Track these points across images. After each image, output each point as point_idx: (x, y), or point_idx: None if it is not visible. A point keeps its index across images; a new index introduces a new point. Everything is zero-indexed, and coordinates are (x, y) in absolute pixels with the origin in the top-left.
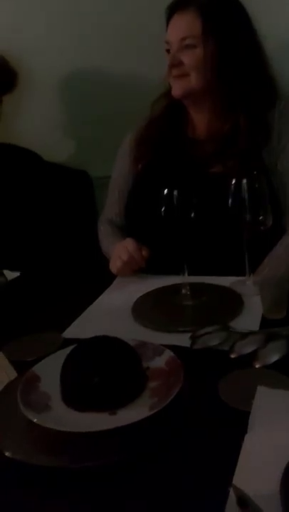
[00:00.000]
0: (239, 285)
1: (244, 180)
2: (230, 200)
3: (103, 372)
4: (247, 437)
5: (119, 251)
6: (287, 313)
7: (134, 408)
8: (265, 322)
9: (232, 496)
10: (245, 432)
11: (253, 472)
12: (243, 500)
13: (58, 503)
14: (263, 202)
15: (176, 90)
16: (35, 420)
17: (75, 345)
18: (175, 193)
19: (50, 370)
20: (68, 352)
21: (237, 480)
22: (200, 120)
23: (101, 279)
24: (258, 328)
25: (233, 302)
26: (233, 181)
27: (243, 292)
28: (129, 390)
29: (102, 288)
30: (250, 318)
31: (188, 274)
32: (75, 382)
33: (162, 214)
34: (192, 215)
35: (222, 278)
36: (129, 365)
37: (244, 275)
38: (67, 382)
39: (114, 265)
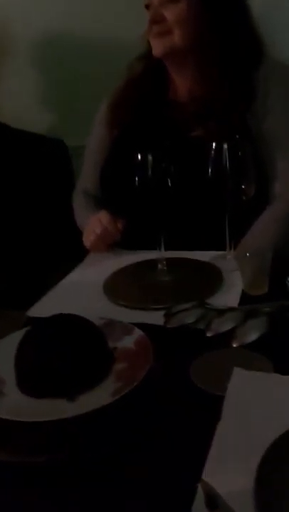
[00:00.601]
0: (219, 260)
1: (225, 145)
2: (210, 167)
3: (62, 354)
4: (220, 425)
5: (93, 224)
6: (269, 289)
7: (96, 394)
8: (245, 298)
9: (200, 494)
10: (219, 418)
11: (225, 465)
12: (212, 501)
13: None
14: (245, 169)
15: (158, 49)
16: None
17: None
18: (150, 157)
19: (5, 353)
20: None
21: (207, 473)
22: (182, 81)
23: (76, 254)
24: (237, 305)
25: (212, 278)
26: (214, 146)
27: (224, 267)
28: (91, 373)
29: (76, 264)
30: (229, 295)
31: (166, 249)
32: (30, 365)
33: (136, 182)
34: (169, 183)
35: (201, 253)
36: (92, 346)
37: (225, 249)
38: (22, 365)
39: (88, 239)
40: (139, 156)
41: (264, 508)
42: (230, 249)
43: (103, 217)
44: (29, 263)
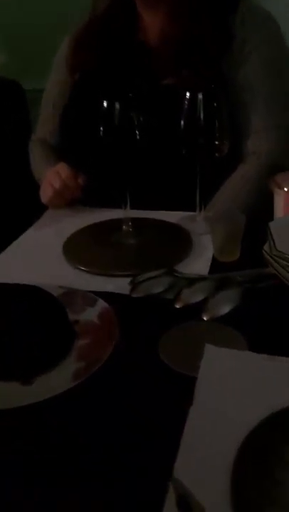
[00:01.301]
0: (188, 222)
1: (200, 95)
2: (182, 119)
3: (15, 329)
4: (191, 411)
5: (51, 177)
6: (241, 255)
7: (55, 376)
8: (215, 265)
9: (171, 493)
10: (190, 402)
11: (198, 458)
12: (183, 501)
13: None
14: (220, 123)
15: None
16: None
17: None
18: (117, 106)
19: None
20: None
21: (179, 469)
22: (152, 23)
23: (32, 210)
24: (207, 273)
25: (180, 242)
26: (187, 95)
27: (193, 230)
28: (49, 352)
29: (32, 221)
30: (199, 261)
31: (131, 208)
32: None
33: (101, 133)
34: (137, 135)
35: (169, 213)
36: (51, 320)
37: (194, 210)
38: None
39: (45, 194)
40: (105, 104)
41: (241, 507)
42: (200, 210)
43: (62, 170)
44: None
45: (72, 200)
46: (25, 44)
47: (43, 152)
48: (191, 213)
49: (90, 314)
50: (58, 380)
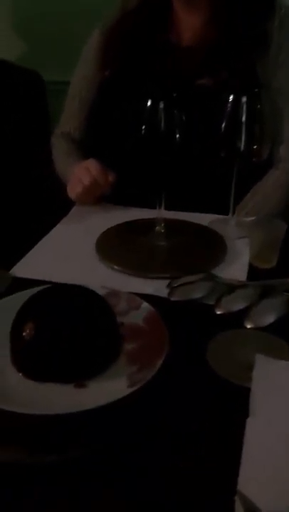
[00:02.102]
0: (220, 225)
1: (243, 99)
2: (224, 122)
3: (70, 330)
4: (249, 423)
5: (80, 173)
6: (278, 262)
7: (109, 380)
8: (251, 271)
9: (239, 507)
10: (245, 413)
11: (261, 470)
12: None
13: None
14: (261, 127)
15: None
16: None
17: (30, 293)
18: (161, 106)
19: None
20: (21, 302)
21: (243, 483)
22: (190, 23)
23: (54, 205)
24: (245, 279)
25: (215, 246)
26: (231, 98)
27: (225, 234)
28: (102, 354)
29: (55, 217)
30: (236, 266)
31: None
32: (30, 343)
33: (142, 132)
34: (177, 134)
35: (201, 215)
36: (102, 322)
37: (223, 213)
38: (20, 343)
39: (74, 190)
40: (149, 103)
41: None
42: (234, 214)
43: (92, 166)
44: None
45: (100, 198)
46: (48, 35)
47: (68, 147)
48: (223, 216)
49: (135, 317)
50: (111, 385)
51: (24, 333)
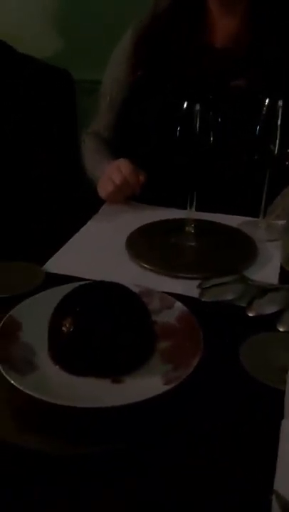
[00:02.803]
0: (250, 227)
1: (280, 102)
2: (259, 125)
3: (108, 326)
4: (285, 424)
5: (111, 172)
6: None
7: (144, 376)
8: (283, 274)
9: (275, 507)
10: (280, 415)
11: None
12: None
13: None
14: None
15: None
16: (18, 385)
17: (68, 288)
18: (197, 107)
19: (33, 315)
20: (60, 296)
21: (279, 483)
22: (225, 25)
23: (83, 203)
24: (276, 282)
25: (245, 248)
26: (267, 101)
27: (255, 236)
28: (138, 350)
29: (84, 214)
30: (267, 269)
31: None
32: (69, 337)
33: (177, 133)
34: (211, 136)
35: (230, 217)
36: (138, 319)
37: (253, 215)
38: (59, 336)
39: (104, 189)
40: (185, 104)
41: None
42: (264, 217)
43: (124, 166)
44: (29, 211)
45: (130, 197)
46: (79, 33)
47: (96, 144)
48: (254, 219)
49: (168, 316)
50: (147, 381)
51: (63, 328)
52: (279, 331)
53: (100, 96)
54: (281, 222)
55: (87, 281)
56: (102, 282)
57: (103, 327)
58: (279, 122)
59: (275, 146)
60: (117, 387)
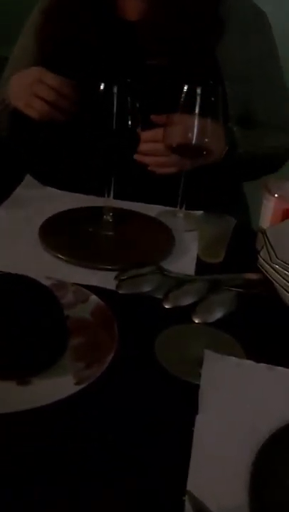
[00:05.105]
0: (167, 217)
1: (198, 89)
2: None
3: (11, 322)
4: (198, 421)
5: (37, 89)
6: (225, 257)
7: (54, 376)
8: (199, 265)
9: (188, 508)
10: (193, 410)
11: (210, 471)
12: None
13: None
14: (214, 122)
15: None
16: None
17: None
18: (114, 90)
19: None
20: None
21: (192, 483)
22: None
23: None
24: (193, 272)
25: (163, 238)
26: (185, 88)
27: (173, 226)
28: (46, 349)
29: None
30: (184, 260)
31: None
32: None
33: (93, 116)
34: (129, 121)
35: (148, 206)
36: (46, 314)
37: (170, 205)
38: None
39: (33, 108)
40: (102, 86)
41: None
42: (182, 206)
43: (47, 77)
44: None
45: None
46: None
47: None
48: (171, 208)
49: (82, 310)
50: (57, 382)
51: None
52: (194, 322)
53: (8, 66)
54: (199, 213)
55: None
56: (6, 274)
57: (6, 323)
58: (197, 110)
59: (192, 134)
60: (24, 390)
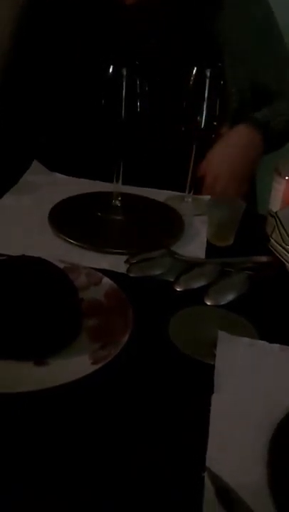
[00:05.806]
0: (176, 202)
1: (207, 72)
2: (186, 95)
3: (28, 304)
4: (214, 400)
5: None
6: (234, 240)
7: (70, 357)
8: (209, 249)
9: (208, 484)
10: (209, 389)
11: (230, 449)
12: (224, 494)
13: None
14: (222, 103)
15: None
16: None
17: None
18: (124, 72)
19: None
20: None
21: (211, 460)
22: None
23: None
24: (203, 256)
25: (173, 222)
26: (194, 70)
27: (182, 211)
28: (63, 330)
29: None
30: (194, 243)
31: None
32: None
33: (102, 101)
34: (138, 105)
35: (156, 191)
36: (62, 296)
37: (179, 190)
38: None
39: None
40: (111, 69)
41: (283, 499)
42: (191, 191)
43: None
44: None
45: None
46: None
47: None
48: (180, 193)
49: (95, 293)
50: (74, 362)
51: None
52: (206, 304)
53: None
54: (208, 198)
55: (4, 257)
56: (22, 257)
57: (23, 305)
58: (206, 94)
59: (202, 118)
60: (41, 370)
